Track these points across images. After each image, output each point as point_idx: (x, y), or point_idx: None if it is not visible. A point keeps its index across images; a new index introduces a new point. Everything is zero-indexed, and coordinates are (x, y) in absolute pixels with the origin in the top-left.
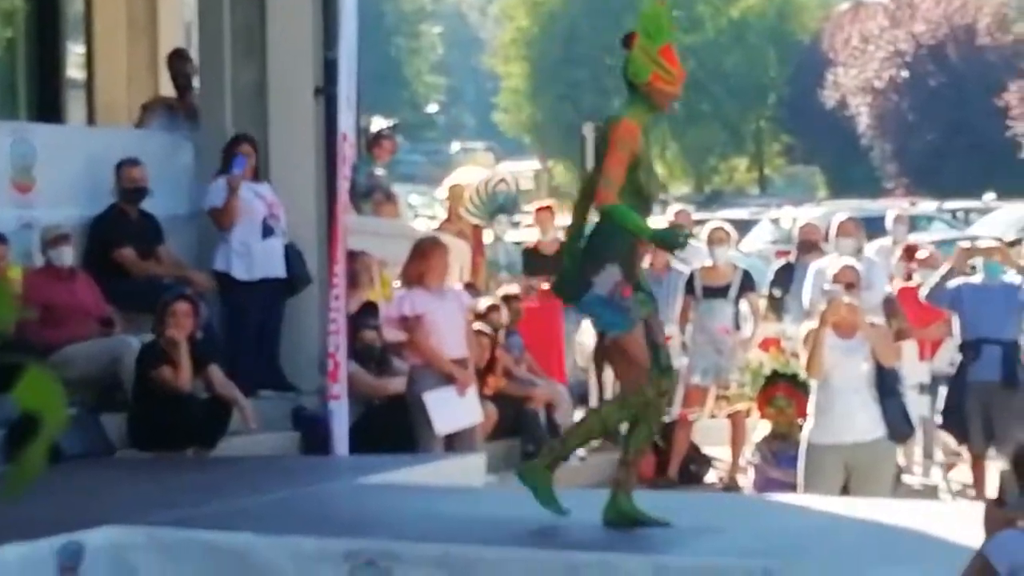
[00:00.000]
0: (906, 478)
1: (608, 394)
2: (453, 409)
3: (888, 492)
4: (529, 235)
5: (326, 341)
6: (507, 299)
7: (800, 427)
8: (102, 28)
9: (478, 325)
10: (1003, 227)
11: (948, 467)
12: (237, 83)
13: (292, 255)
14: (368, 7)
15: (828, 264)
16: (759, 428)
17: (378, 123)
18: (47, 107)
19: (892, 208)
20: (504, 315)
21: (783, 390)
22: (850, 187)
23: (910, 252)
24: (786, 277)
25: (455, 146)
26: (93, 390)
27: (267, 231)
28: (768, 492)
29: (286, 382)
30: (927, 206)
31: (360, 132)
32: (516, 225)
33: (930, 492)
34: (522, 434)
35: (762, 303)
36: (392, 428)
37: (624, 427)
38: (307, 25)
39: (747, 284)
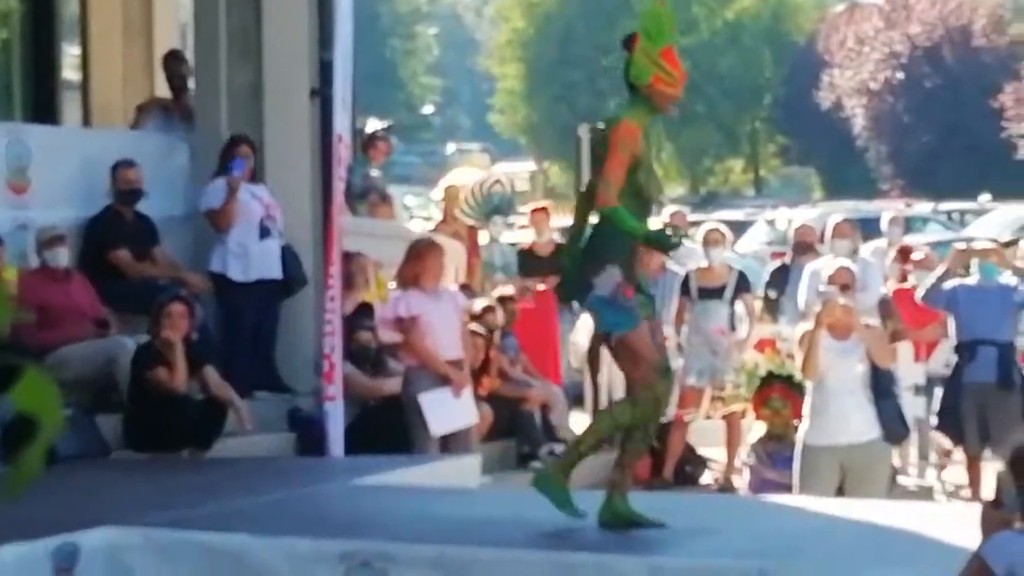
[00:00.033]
0: (901, 479)
1: (603, 395)
2: (448, 410)
3: (883, 493)
4: (524, 236)
5: (321, 342)
6: (502, 300)
7: (795, 428)
8: (98, 29)
9: (473, 326)
10: (999, 228)
11: (940, 468)
12: (233, 84)
13: (288, 256)
14: (363, 8)
15: (824, 265)
16: (754, 429)
17: (373, 124)
18: (43, 108)
19: (888, 210)
20: (499, 316)
21: (778, 391)
22: (845, 188)
23: (904, 253)
24: (781, 278)
25: (451, 147)
26: (88, 391)
27: (264, 232)
28: (763, 493)
29: (282, 383)
30: (923, 207)
31: (355, 133)
32: (511, 226)
33: (925, 493)
34: (517, 435)
35: (757, 304)
36: (387, 429)
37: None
38: (303, 26)
39: (742, 285)
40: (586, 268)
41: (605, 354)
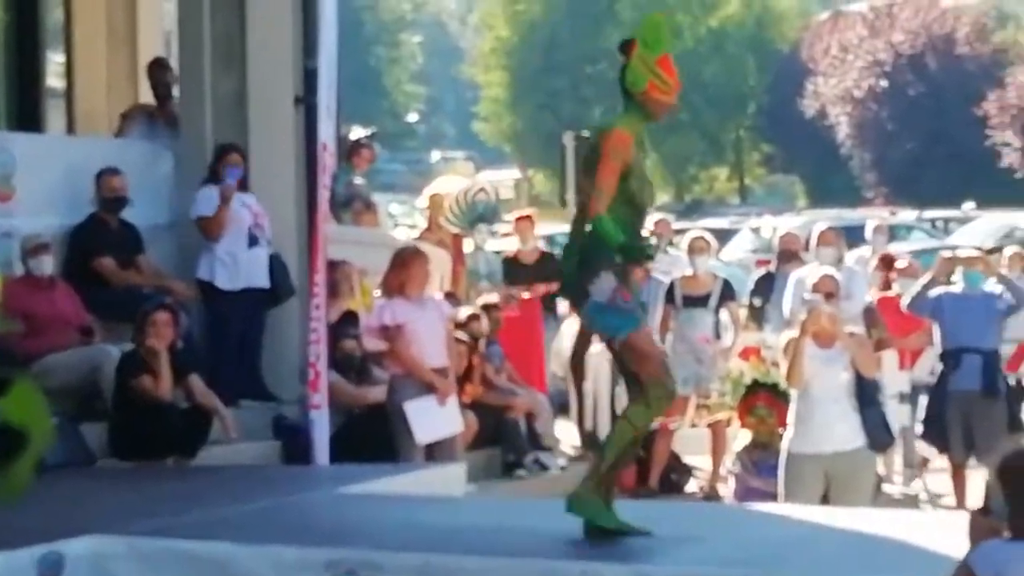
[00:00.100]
0: (886, 487)
1: (588, 403)
2: (433, 418)
3: (868, 501)
4: (509, 244)
5: (307, 350)
6: (487, 308)
7: (780, 436)
8: (82, 37)
9: (457, 334)
10: (982, 236)
11: (915, 476)
12: (217, 92)
13: (277, 266)
14: (348, 16)
15: (808, 273)
16: (739, 437)
17: (356, 132)
18: (27, 116)
19: (872, 218)
20: (484, 324)
21: (763, 399)
22: (830, 196)
23: (886, 261)
24: (766, 286)
25: (435, 155)
26: (73, 399)
27: (252, 241)
28: (748, 501)
29: (267, 391)
30: (907, 215)
31: (339, 141)
32: (496, 234)
33: (910, 501)
34: (503, 443)
35: (742, 312)
36: (373, 437)
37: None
38: (287, 34)
39: (727, 293)
40: (582, 275)
41: (589, 361)
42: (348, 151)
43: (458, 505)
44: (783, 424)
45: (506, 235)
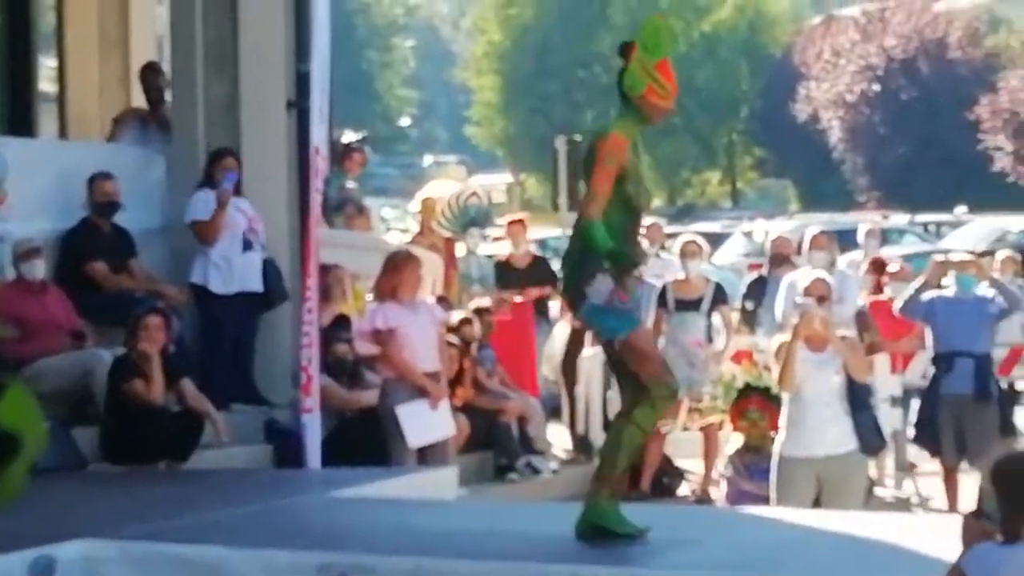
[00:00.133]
0: (878, 491)
1: (580, 406)
2: (426, 422)
3: (860, 505)
4: (501, 248)
5: (299, 354)
6: (479, 312)
7: (772, 440)
8: (74, 41)
9: (449, 338)
10: (974, 240)
11: (902, 480)
12: (209, 96)
13: (270, 271)
14: (340, 20)
15: (800, 277)
16: (732, 441)
17: (347, 136)
18: (19, 121)
19: (864, 222)
20: (476, 328)
21: (755, 403)
22: (822, 200)
23: (876, 265)
24: (758, 290)
25: (427, 159)
26: (65, 404)
27: (246, 245)
28: (740, 505)
29: (259, 395)
30: (899, 219)
31: (331, 145)
32: (487, 238)
33: (903, 505)
34: (495, 447)
35: (734, 316)
36: (365, 441)
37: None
38: (279, 38)
39: (719, 297)
40: (578, 278)
41: (581, 365)
42: (340, 155)
43: (450, 509)
44: (775, 428)
45: (498, 239)
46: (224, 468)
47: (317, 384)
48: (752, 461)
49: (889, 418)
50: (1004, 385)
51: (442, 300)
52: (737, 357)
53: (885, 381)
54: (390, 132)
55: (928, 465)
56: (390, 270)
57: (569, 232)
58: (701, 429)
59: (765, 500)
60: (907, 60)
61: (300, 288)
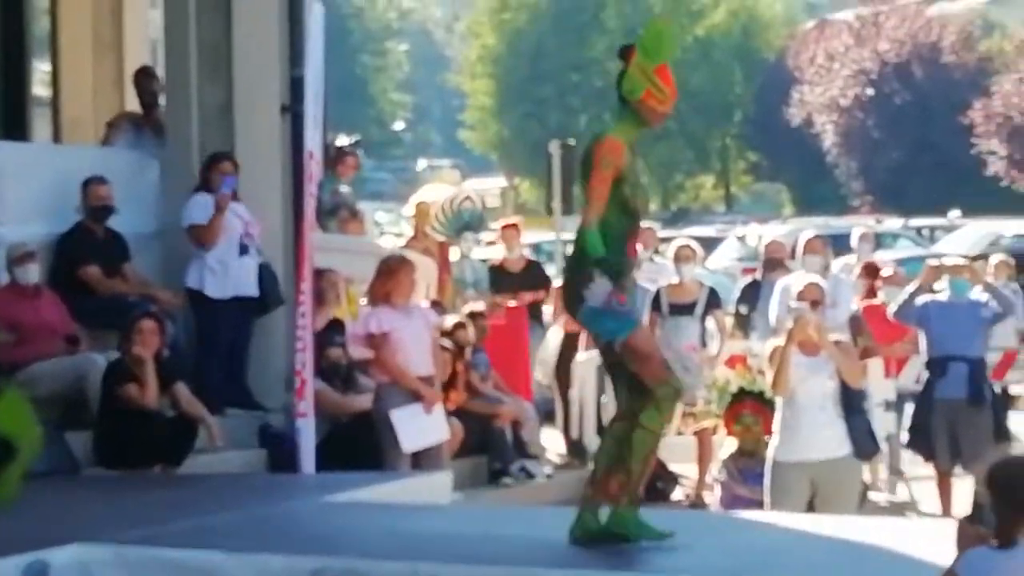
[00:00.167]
0: (872, 495)
1: (575, 411)
2: (420, 426)
3: (854, 509)
4: (495, 252)
5: (293, 359)
6: (473, 316)
7: (766, 444)
8: (68, 45)
9: (443, 342)
10: (968, 244)
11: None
12: (203, 101)
13: (266, 275)
14: (334, 24)
15: (794, 281)
16: (726, 445)
17: (340, 140)
18: (12, 124)
19: (858, 226)
20: (470, 333)
21: (749, 407)
22: (816, 204)
23: (869, 269)
24: (752, 294)
25: (421, 163)
26: (59, 408)
27: (243, 250)
28: (734, 509)
29: (253, 400)
30: (893, 223)
31: (324, 149)
32: (481, 243)
33: (896, 509)
34: (489, 452)
35: (728, 320)
36: (359, 446)
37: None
38: (273, 43)
39: (713, 301)
40: (576, 282)
41: (575, 370)
42: (332, 159)
43: (444, 513)
44: (769, 432)
45: (492, 243)
46: (218, 473)
47: (311, 388)
48: (746, 465)
49: (883, 422)
50: (998, 389)
51: (436, 304)
52: (731, 361)
53: (879, 385)
54: (384, 136)
55: (922, 469)
56: (384, 274)
57: (563, 236)
58: (695, 433)
59: (759, 504)
60: (901, 64)
61: (294, 292)
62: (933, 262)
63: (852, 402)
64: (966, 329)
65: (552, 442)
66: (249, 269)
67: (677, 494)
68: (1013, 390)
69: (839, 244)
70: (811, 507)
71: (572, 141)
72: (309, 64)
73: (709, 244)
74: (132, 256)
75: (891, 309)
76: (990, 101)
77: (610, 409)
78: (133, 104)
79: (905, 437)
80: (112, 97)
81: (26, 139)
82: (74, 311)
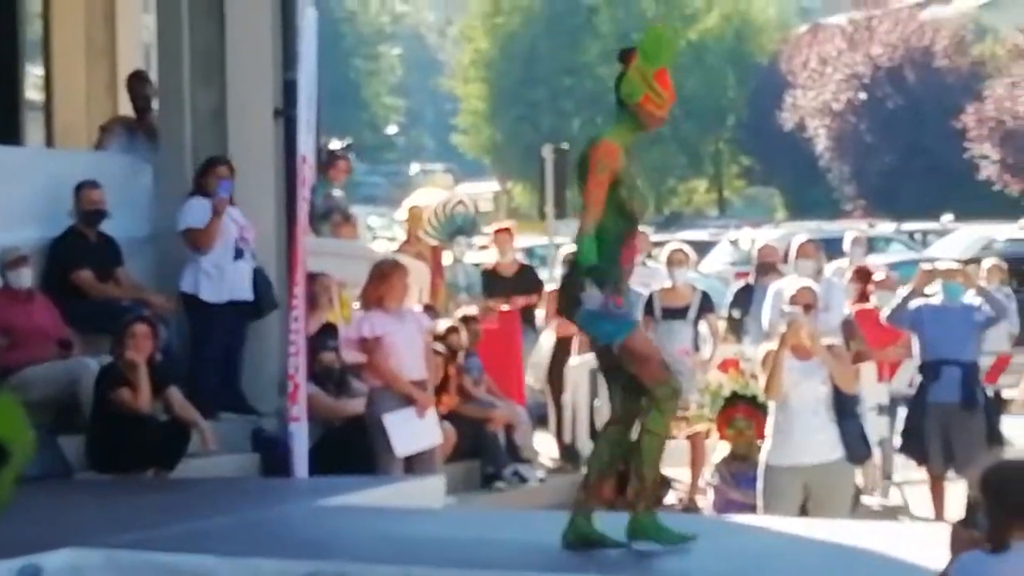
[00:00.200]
0: (865, 499)
1: (567, 415)
2: (413, 431)
3: (847, 513)
4: (488, 257)
5: (286, 363)
6: (466, 320)
7: (759, 448)
8: (60, 50)
9: (436, 346)
10: (961, 248)
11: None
12: (196, 105)
13: (260, 280)
14: (327, 28)
15: (787, 285)
16: (718, 449)
17: (333, 144)
18: (5, 129)
19: (850, 230)
20: (463, 337)
21: (742, 411)
22: (809, 209)
23: (860, 274)
24: (745, 298)
25: (414, 168)
26: (51, 412)
27: (238, 254)
28: (727, 513)
29: (246, 404)
30: (885, 227)
31: (317, 153)
32: (474, 247)
33: (889, 513)
34: (482, 456)
35: (721, 324)
36: (352, 450)
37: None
38: (267, 47)
39: (706, 305)
40: (573, 285)
41: (568, 374)
42: (324, 164)
43: (437, 517)
44: (762, 436)
45: (485, 247)
46: (211, 477)
47: (304, 393)
48: (739, 470)
49: (876, 426)
50: (991, 393)
51: (429, 308)
52: (724, 365)
53: (872, 389)
54: (377, 140)
55: (915, 473)
56: (377, 278)
57: (556, 240)
58: (688, 438)
59: (752, 509)
60: (893, 69)
61: (287, 297)
62: (926, 266)
63: (845, 406)
64: (959, 333)
65: (545, 446)
66: (244, 273)
67: (670, 498)
68: (1006, 394)
69: (832, 248)
70: (804, 511)
71: (565, 145)
72: (302, 68)
73: (702, 248)
74: (125, 260)
75: (884, 313)
76: (983, 105)
77: (603, 413)
78: (126, 108)
79: (898, 441)
80: (105, 101)
81: (19, 143)
82: (67, 315)
